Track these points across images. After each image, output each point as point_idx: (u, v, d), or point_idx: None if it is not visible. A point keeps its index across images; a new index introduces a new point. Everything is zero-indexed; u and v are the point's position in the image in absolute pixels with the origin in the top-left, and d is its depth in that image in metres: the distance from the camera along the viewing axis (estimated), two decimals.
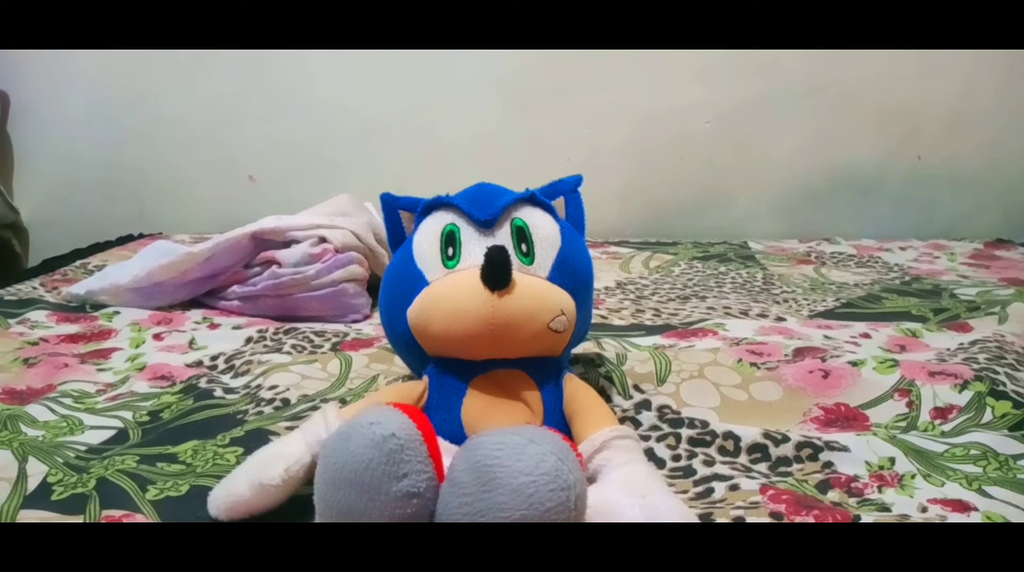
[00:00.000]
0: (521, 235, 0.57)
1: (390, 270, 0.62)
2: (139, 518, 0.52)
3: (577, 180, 0.63)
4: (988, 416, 0.63)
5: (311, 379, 0.75)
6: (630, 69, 1.51)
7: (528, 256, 0.56)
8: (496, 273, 0.52)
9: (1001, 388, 0.66)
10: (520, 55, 1.48)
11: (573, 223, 0.62)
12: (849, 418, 0.64)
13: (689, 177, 1.57)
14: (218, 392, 0.73)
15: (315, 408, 0.68)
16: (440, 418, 0.56)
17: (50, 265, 1.25)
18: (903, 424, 0.63)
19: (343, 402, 0.68)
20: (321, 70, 1.56)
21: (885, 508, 0.51)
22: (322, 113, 1.59)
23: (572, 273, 0.58)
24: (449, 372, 0.57)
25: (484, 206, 0.57)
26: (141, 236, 1.51)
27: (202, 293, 1.02)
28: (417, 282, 0.57)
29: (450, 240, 0.57)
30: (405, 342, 0.59)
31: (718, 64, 1.50)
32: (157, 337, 0.90)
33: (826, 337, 0.83)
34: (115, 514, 0.52)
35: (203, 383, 0.75)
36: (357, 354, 0.81)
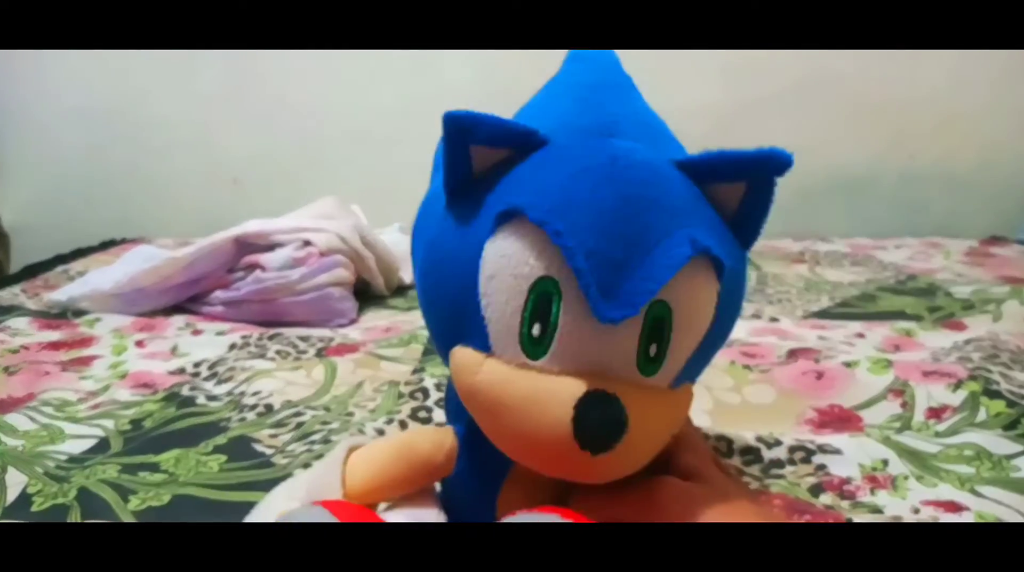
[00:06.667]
0: (656, 331, 0.34)
1: (440, 248, 0.38)
2: None
3: (782, 160, 0.35)
4: (982, 415, 0.62)
5: (295, 385, 0.74)
6: (624, 69, 1.50)
7: (655, 363, 0.34)
8: (600, 441, 0.33)
9: (995, 387, 0.65)
10: (511, 55, 1.47)
11: (745, 224, 0.37)
12: (843, 419, 0.63)
13: None
14: (201, 399, 0.72)
15: (298, 414, 0.67)
16: (468, 495, 0.42)
17: (32, 271, 1.24)
18: (897, 425, 0.62)
19: (344, 412, 0.67)
20: (306, 72, 1.55)
21: (877, 510, 0.50)
22: (307, 116, 1.58)
23: (708, 358, 0.39)
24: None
25: (617, 278, 0.32)
26: (124, 241, 1.49)
27: (185, 298, 1.01)
28: (471, 327, 0.36)
29: (541, 308, 0.33)
30: (442, 342, 0.40)
31: (710, 64, 1.49)
32: (139, 344, 0.89)
33: (820, 337, 0.83)
34: None
35: (186, 390, 0.74)
36: (343, 360, 0.80)
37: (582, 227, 0.32)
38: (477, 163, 0.36)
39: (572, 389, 0.33)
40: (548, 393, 0.33)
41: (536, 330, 0.34)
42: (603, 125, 0.38)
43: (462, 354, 0.36)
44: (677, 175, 0.35)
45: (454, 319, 0.37)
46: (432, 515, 0.41)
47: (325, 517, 0.34)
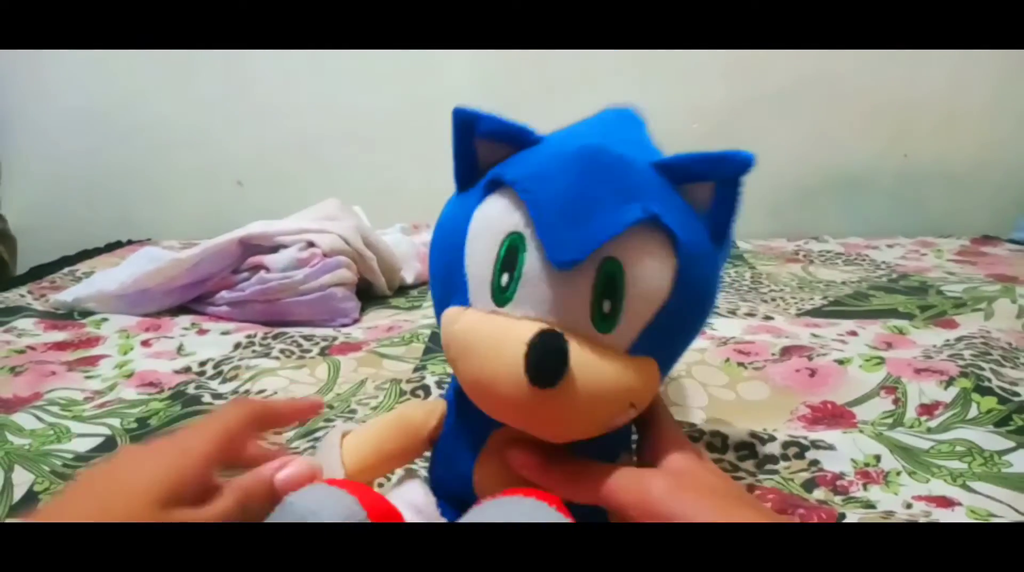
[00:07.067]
0: (609, 288, 0.36)
1: (444, 220, 0.43)
2: None
3: (743, 161, 0.37)
4: (974, 412, 0.63)
5: (299, 384, 0.75)
6: (619, 69, 1.51)
7: (609, 321, 0.37)
8: (542, 373, 0.36)
9: (986, 384, 0.66)
10: (509, 55, 1.49)
11: (716, 219, 0.39)
12: (836, 416, 0.64)
13: None
14: (206, 398, 0.73)
15: None
16: (450, 462, 0.44)
17: (38, 273, 1.25)
18: (889, 421, 0.63)
19: (347, 409, 0.68)
20: (308, 74, 1.56)
21: (870, 505, 0.51)
22: (310, 116, 1.59)
23: (671, 337, 0.40)
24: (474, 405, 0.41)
25: (571, 229, 0.36)
26: (129, 242, 1.51)
27: (190, 299, 1.02)
28: (457, 286, 0.40)
29: (509, 260, 0.38)
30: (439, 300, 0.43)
31: (706, 64, 1.50)
32: (145, 344, 0.90)
33: (814, 335, 0.84)
34: None
35: (191, 389, 0.75)
36: (345, 358, 0.81)
37: (548, 188, 0.37)
38: (482, 157, 0.40)
39: (527, 330, 0.36)
40: (506, 334, 0.37)
41: (504, 280, 0.38)
42: (596, 136, 0.41)
43: (447, 311, 0.41)
44: (651, 172, 0.38)
45: (446, 282, 0.41)
46: (419, 490, 0.44)
47: (335, 495, 0.35)
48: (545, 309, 0.37)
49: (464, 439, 0.43)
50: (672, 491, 0.36)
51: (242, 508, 0.37)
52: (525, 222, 0.37)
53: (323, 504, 0.35)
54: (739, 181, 0.38)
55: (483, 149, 0.40)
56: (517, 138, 0.40)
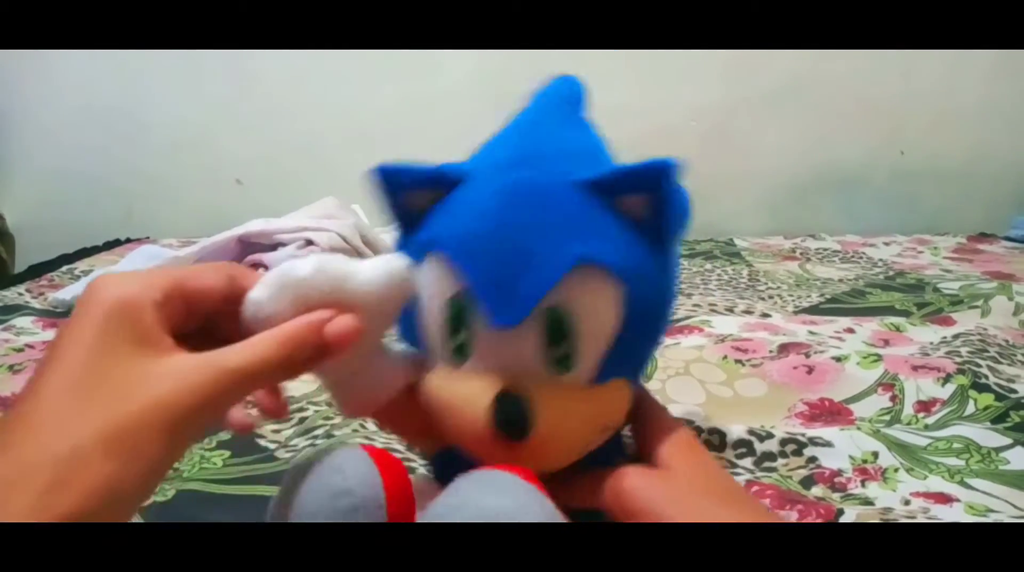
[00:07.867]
0: (558, 334, 0.37)
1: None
2: None
3: (668, 169, 0.36)
4: (971, 409, 0.63)
5: (298, 380, 0.75)
6: (616, 69, 1.51)
7: (566, 362, 0.38)
8: (508, 434, 0.38)
9: (983, 381, 0.66)
10: (508, 55, 1.48)
11: (654, 226, 0.38)
12: (833, 413, 0.65)
13: None
14: None
15: (301, 409, 0.68)
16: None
17: (37, 271, 1.25)
18: (887, 418, 0.63)
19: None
20: (308, 74, 1.56)
21: (868, 502, 0.52)
22: (309, 116, 1.59)
23: (633, 355, 0.41)
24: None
25: (508, 288, 0.36)
26: (128, 241, 1.51)
27: None
28: (422, 349, 0.42)
29: (458, 321, 0.39)
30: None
31: (703, 63, 1.51)
32: None
33: (811, 332, 0.84)
34: None
35: None
36: None
37: (477, 250, 0.37)
38: (414, 204, 0.41)
39: (488, 390, 0.38)
40: (467, 399, 0.38)
41: (457, 341, 0.39)
42: (519, 158, 0.41)
43: (423, 382, 0.42)
44: (573, 195, 0.38)
45: (410, 339, 0.42)
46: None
47: (362, 459, 0.36)
48: (502, 364, 0.38)
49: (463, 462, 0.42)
50: (642, 489, 0.36)
51: (288, 357, 0.33)
52: (464, 285, 0.37)
53: (352, 468, 0.36)
54: (668, 189, 0.37)
55: (412, 198, 0.41)
56: (442, 182, 0.40)
